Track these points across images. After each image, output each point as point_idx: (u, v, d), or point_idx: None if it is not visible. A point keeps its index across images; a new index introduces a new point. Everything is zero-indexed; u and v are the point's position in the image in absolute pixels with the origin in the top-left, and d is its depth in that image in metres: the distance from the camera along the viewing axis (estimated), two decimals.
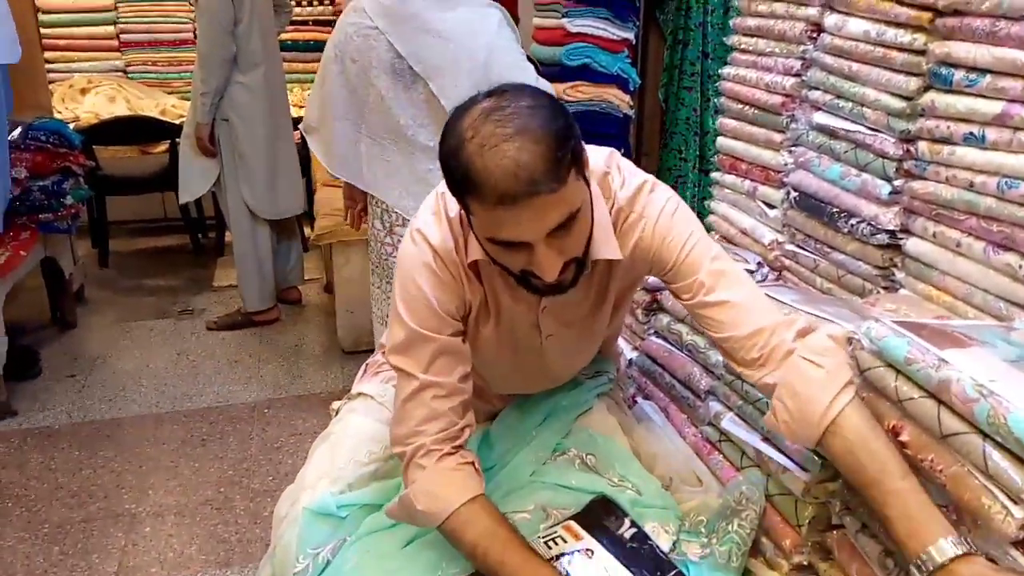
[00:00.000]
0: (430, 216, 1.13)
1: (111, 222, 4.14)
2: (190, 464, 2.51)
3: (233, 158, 3.16)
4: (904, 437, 0.91)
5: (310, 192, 3.74)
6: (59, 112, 4.18)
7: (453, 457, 1.10)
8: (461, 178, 0.94)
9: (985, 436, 0.81)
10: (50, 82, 4.25)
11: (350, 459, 1.27)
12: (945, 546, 0.85)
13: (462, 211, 1.06)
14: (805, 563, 1.11)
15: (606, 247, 1.08)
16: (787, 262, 1.56)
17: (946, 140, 1.17)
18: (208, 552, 2.13)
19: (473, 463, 1.11)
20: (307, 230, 3.67)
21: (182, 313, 3.61)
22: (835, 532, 1.08)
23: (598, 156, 1.13)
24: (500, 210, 0.92)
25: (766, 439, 1.20)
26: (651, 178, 1.15)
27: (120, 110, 4.38)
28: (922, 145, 1.21)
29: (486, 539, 1.04)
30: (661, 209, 1.12)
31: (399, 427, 1.12)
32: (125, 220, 4.43)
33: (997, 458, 0.79)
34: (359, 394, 1.42)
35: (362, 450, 1.28)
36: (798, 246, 1.52)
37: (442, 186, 1.08)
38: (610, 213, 1.11)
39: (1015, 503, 0.78)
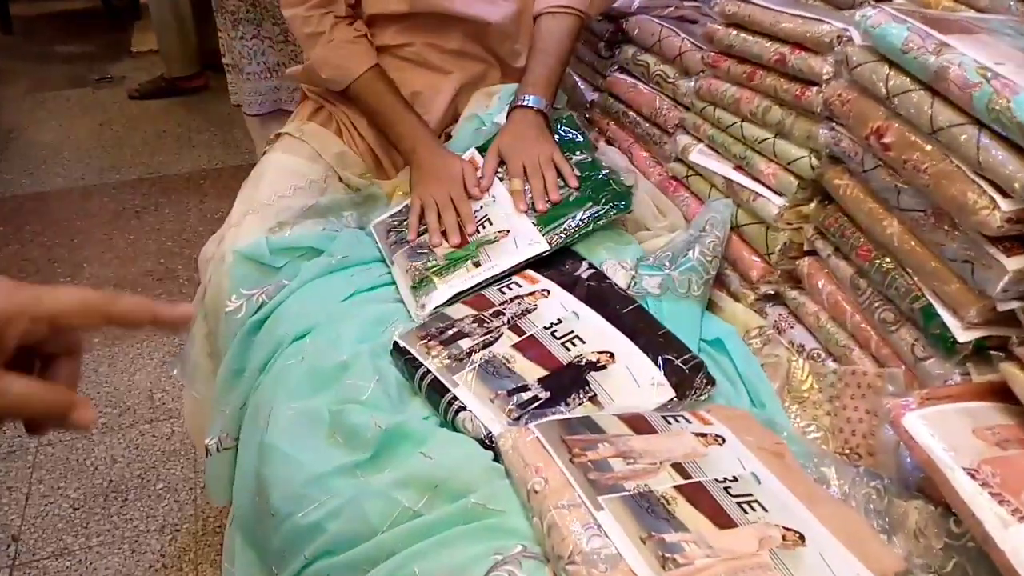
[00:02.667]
0: None
1: None
2: (125, 236, 2.37)
3: None
4: (887, 139, 0.81)
5: None
6: None
7: (349, 28, 1.22)
8: None
9: (981, 126, 0.72)
10: None
11: (272, 193, 1.19)
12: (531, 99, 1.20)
13: None
14: (772, 292, 1.06)
15: None
16: None
17: None
18: None
19: (366, 35, 1.24)
20: None
21: (100, 81, 3.30)
22: (806, 259, 1.01)
23: None
24: None
25: (738, 167, 1.10)
26: None
27: None
28: None
29: (381, 104, 1.22)
30: None
31: None
32: None
33: (992, 148, 0.71)
34: (278, 135, 1.32)
35: (284, 184, 1.20)
36: None
37: None
38: None
39: (1004, 196, 0.70)
